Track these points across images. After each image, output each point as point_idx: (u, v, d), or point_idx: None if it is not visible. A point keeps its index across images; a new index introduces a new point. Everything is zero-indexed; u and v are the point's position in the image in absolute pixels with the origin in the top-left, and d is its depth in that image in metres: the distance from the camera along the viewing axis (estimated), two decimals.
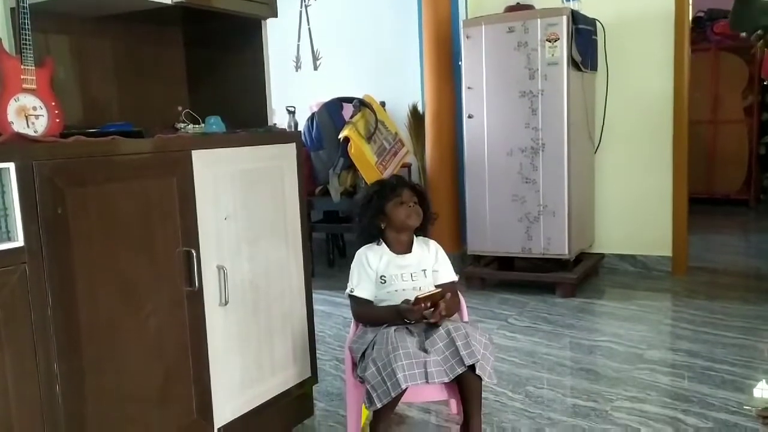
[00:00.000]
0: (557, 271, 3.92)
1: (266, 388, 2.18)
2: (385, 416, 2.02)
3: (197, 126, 2.18)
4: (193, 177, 1.88)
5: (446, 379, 1.92)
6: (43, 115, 1.80)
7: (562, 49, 3.71)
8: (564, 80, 3.74)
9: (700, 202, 6.13)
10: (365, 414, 2.28)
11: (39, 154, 1.51)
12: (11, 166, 1.44)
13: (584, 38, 3.89)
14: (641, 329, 3.23)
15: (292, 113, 4.40)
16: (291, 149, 2.26)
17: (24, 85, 1.76)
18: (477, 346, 1.94)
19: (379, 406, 1.91)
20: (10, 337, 1.45)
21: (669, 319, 3.44)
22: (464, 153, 4.12)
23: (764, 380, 2.60)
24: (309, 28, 5.55)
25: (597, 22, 4.10)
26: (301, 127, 4.61)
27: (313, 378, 2.41)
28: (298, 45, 5.59)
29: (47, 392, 1.52)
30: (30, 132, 1.75)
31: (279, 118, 2.64)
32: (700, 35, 6.52)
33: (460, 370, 1.92)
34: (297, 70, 5.62)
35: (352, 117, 4.44)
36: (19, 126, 1.73)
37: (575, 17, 3.77)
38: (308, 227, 2.36)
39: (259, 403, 2.15)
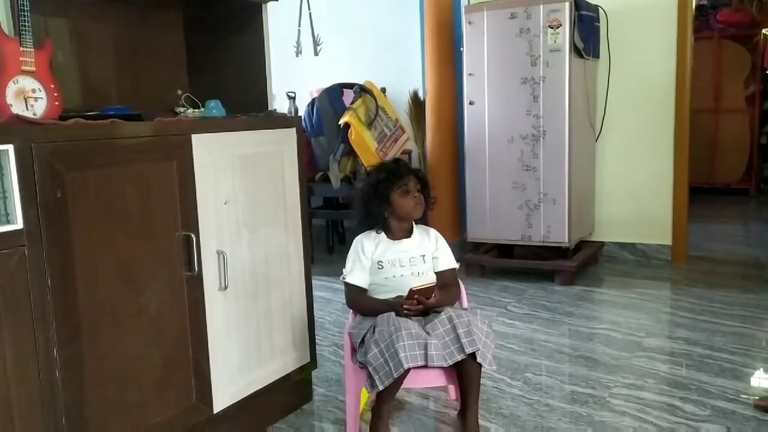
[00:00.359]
0: (557, 259, 3.92)
1: (265, 373, 2.19)
2: (388, 400, 2.02)
3: (197, 110, 2.17)
4: (192, 161, 1.87)
5: (444, 364, 1.92)
6: (42, 98, 1.79)
7: (564, 36, 3.69)
8: (566, 67, 3.72)
9: (701, 192, 6.13)
10: (364, 399, 2.29)
11: (38, 137, 1.51)
12: (10, 148, 1.44)
13: (586, 25, 3.87)
14: (640, 317, 3.24)
15: (292, 99, 4.37)
16: (291, 134, 2.25)
17: (23, 68, 1.75)
18: (478, 334, 1.94)
19: (381, 387, 1.91)
20: (9, 320, 1.45)
21: (668, 307, 3.44)
22: (465, 140, 4.11)
23: (762, 369, 2.61)
24: (310, 13, 5.51)
25: (599, 9, 4.07)
26: (301, 113, 4.60)
27: (312, 363, 2.41)
28: (299, 30, 5.56)
29: (47, 376, 1.53)
30: (29, 114, 1.74)
31: (279, 104, 2.63)
32: (703, 23, 6.49)
33: (459, 357, 1.92)
34: (297, 56, 5.59)
35: (352, 103, 4.42)
36: (18, 108, 1.72)
37: (578, 4, 3.74)
38: (308, 213, 2.35)
39: (259, 388, 2.16)
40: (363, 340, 2.04)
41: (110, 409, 1.69)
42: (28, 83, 1.76)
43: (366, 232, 2.25)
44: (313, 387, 2.51)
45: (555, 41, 3.72)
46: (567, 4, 3.67)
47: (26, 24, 1.73)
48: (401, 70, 4.99)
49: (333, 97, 4.54)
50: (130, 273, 1.72)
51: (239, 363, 2.08)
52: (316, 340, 2.46)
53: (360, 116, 4.32)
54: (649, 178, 4.22)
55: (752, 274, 4.13)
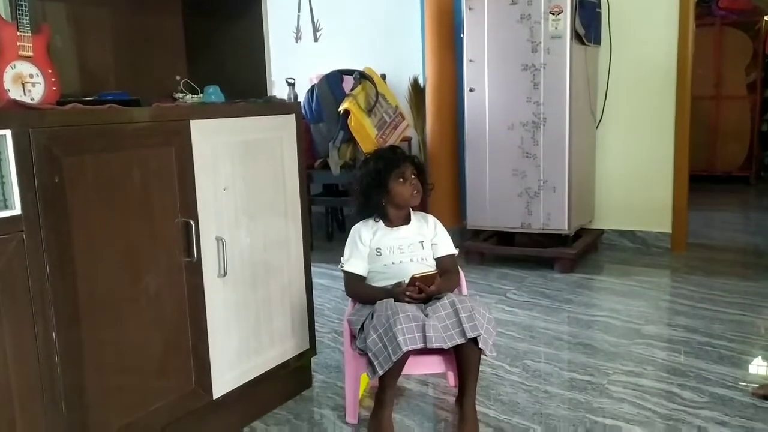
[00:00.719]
0: (556, 247, 3.92)
1: (265, 359, 2.19)
2: (390, 385, 2.02)
3: (195, 96, 2.16)
4: (191, 147, 1.86)
5: (444, 346, 1.92)
6: (39, 83, 1.78)
7: (565, 22, 3.67)
8: (567, 54, 3.70)
9: (701, 179, 6.12)
10: (363, 386, 2.30)
11: (35, 122, 1.50)
12: (8, 133, 1.43)
13: (588, 11, 3.84)
14: (639, 305, 3.24)
15: (291, 85, 4.36)
16: (291, 120, 2.24)
17: (20, 52, 1.74)
18: (480, 320, 1.94)
19: (381, 373, 1.91)
20: (8, 306, 1.45)
21: (667, 294, 3.44)
22: (465, 127, 4.10)
23: (761, 357, 2.62)
24: None
25: None
26: (300, 100, 4.58)
27: (312, 350, 2.42)
28: (298, 16, 5.52)
29: (46, 362, 1.53)
30: (26, 99, 1.73)
31: (279, 90, 2.62)
32: (705, 10, 6.46)
33: (459, 340, 1.92)
34: (297, 42, 5.56)
35: (352, 89, 4.40)
36: (15, 93, 1.71)
37: None
38: (307, 200, 2.35)
39: (258, 374, 2.16)
40: (362, 326, 2.04)
41: (110, 394, 1.69)
42: (25, 68, 1.75)
43: (364, 221, 2.25)
44: (313, 373, 2.51)
45: (556, 28, 3.70)
46: None
47: (24, 8, 1.72)
48: (401, 57, 4.97)
49: (333, 83, 4.52)
50: (130, 259, 1.72)
51: (239, 349, 2.08)
52: (316, 327, 2.46)
53: (360, 103, 4.31)
54: (650, 165, 4.21)
55: (752, 261, 4.13)
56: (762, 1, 6.56)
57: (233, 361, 2.06)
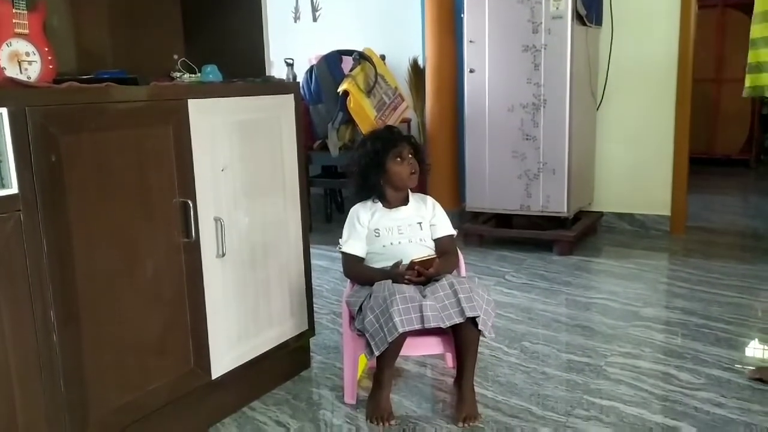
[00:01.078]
0: (555, 229, 3.92)
1: (263, 340, 2.20)
2: (388, 366, 2.03)
3: (193, 75, 2.14)
4: (189, 126, 1.85)
5: (442, 325, 1.92)
6: (36, 61, 1.76)
7: (566, 2, 3.63)
8: (568, 35, 3.67)
9: (701, 162, 6.10)
10: (362, 367, 2.30)
11: (32, 100, 1.48)
12: (4, 111, 1.42)
13: None
14: (637, 287, 3.25)
15: (290, 66, 4.34)
16: (289, 100, 2.23)
17: (16, 30, 1.72)
18: (479, 301, 1.94)
19: (377, 353, 1.92)
20: (5, 285, 1.45)
21: (665, 277, 3.45)
22: (465, 108, 4.07)
23: (757, 339, 2.62)
24: None
25: None
26: (299, 80, 4.55)
27: (310, 331, 2.42)
28: None
29: (44, 341, 1.53)
30: (23, 78, 1.71)
31: (277, 71, 2.60)
32: None
33: (457, 320, 1.91)
34: (296, 22, 5.51)
35: (351, 70, 4.37)
36: (11, 71, 1.70)
37: None
38: (306, 181, 2.34)
39: (257, 355, 2.17)
40: (360, 307, 2.04)
41: (108, 373, 1.69)
42: (21, 46, 1.73)
43: (362, 202, 2.25)
44: (311, 354, 2.52)
45: (557, 8, 3.66)
46: None
47: None
48: (401, 37, 4.93)
49: (332, 64, 4.49)
50: (127, 238, 1.71)
51: (237, 329, 2.08)
52: (314, 308, 2.46)
53: (359, 84, 4.28)
54: (649, 148, 4.20)
55: (750, 245, 4.13)
56: None
57: (232, 342, 2.06)
